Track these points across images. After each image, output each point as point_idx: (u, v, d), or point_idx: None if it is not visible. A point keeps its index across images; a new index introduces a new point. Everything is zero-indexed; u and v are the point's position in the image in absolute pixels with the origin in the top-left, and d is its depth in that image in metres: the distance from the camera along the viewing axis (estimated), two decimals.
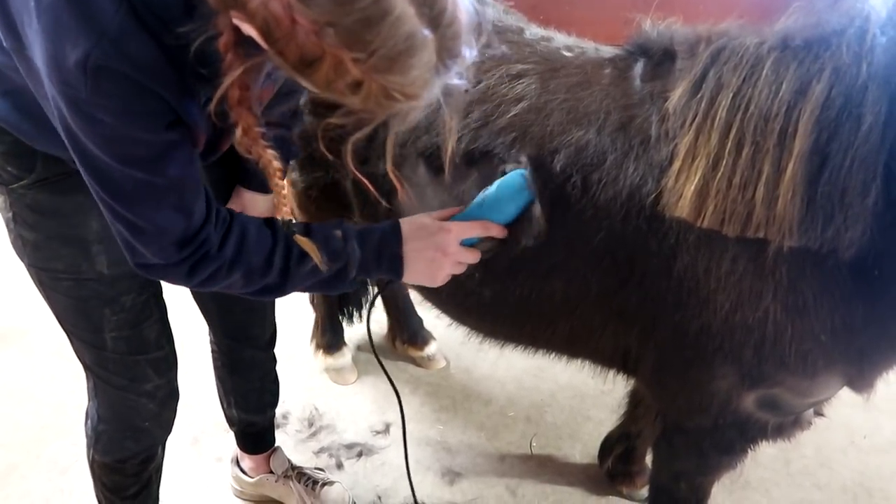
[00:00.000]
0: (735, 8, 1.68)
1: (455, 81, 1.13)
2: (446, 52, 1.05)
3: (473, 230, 1.51)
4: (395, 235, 1.47)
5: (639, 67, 1.62)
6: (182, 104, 1.19)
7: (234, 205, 1.74)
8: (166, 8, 1.10)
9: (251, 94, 1.17)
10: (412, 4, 0.98)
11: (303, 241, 1.40)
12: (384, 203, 1.74)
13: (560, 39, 1.79)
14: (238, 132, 1.20)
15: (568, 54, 1.72)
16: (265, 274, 1.40)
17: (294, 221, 1.41)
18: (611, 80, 1.62)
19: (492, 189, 1.54)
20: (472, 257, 1.53)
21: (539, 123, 1.61)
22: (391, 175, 1.40)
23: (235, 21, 1.03)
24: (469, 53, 1.10)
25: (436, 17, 1.01)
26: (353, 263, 1.44)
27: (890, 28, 1.34)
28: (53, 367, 2.89)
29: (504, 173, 1.57)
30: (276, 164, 1.28)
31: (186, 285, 1.41)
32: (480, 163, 1.65)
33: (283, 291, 1.45)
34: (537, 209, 1.55)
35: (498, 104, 1.65)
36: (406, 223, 1.49)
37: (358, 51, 0.99)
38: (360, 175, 1.39)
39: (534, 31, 1.82)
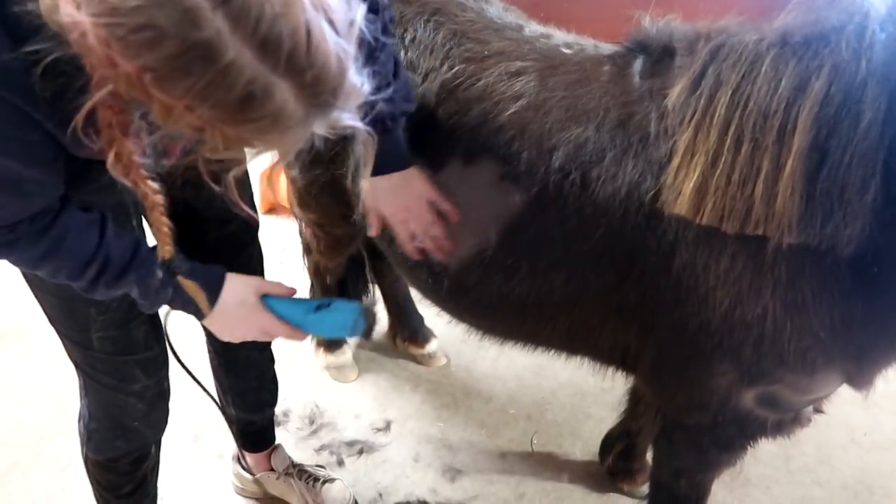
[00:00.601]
0: (734, 5, 1.67)
1: (349, 122, 1.04)
2: (310, 97, 0.95)
3: (279, 332, 1.54)
4: (214, 295, 1.47)
5: (638, 64, 1.62)
6: (58, 122, 1.11)
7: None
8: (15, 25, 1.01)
9: (126, 118, 1.06)
10: (248, 49, 0.88)
11: (187, 285, 1.38)
12: None
13: (559, 37, 1.79)
14: (110, 156, 1.10)
15: (567, 51, 1.72)
16: (75, 278, 1.35)
17: (175, 261, 1.36)
18: (610, 77, 1.62)
19: (325, 308, 1.54)
20: (280, 333, 1.55)
21: (538, 121, 1.61)
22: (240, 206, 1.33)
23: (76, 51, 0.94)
24: (363, 88, 1.01)
25: (281, 62, 0.90)
26: (159, 302, 1.45)
27: (889, 24, 1.34)
28: (54, 365, 2.88)
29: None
30: (157, 198, 1.21)
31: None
32: (480, 161, 1.65)
33: (88, 294, 1.40)
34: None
35: (497, 102, 1.65)
36: (230, 288, 1.48)
37: (183, 99, 0.90)
38: (244, 207, 1.28)
39: (533, 28, 1.82)
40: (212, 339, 2.07)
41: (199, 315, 1.50)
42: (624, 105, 1.56)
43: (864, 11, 1.36)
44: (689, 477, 1.90)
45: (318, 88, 0.95)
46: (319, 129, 1.02)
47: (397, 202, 1.69)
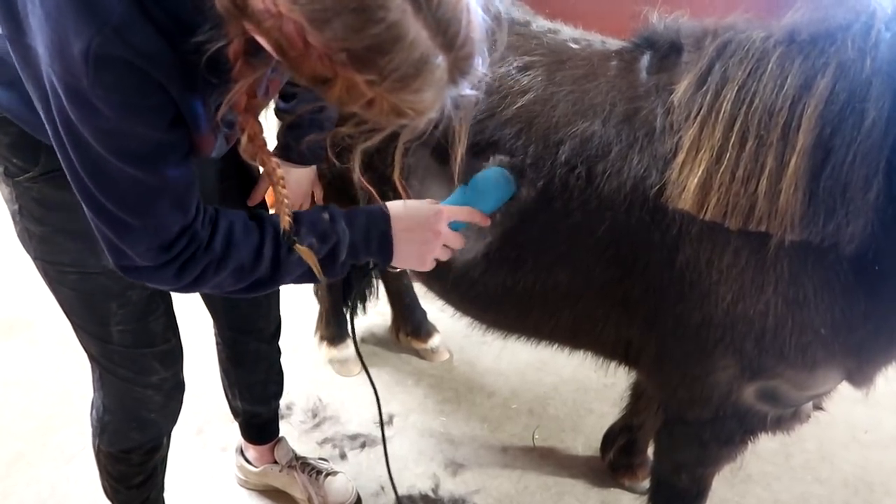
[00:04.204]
0: (741, 2, 1.68)
1: (466, 92, 1.12)
2: (458, 70, 1.05)
3: (461, 214, 1.51)
4: (384, 215, 1.45)
5: (645, 60, 1.63)
6: (186, 101, 1.17)
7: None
8: (175, 4, 1.09)
9: (257, 101, 1.16)
10: (425, 28, 0.97)
11: (303, 251, 1.38)
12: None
13: (567, 32, 1.80)
14: (244, 139, 1.20)
15: (574, 46, 1.73)
16: (255, 268, 1.36)
17: (292, 232, 1.38)
18: (617, 72, 1.63)
19: (473, 180, 1.56)
20: (459, 242, 1.52)
21: (545, 115, 1.62)
22: (398, 185, 1.39)
23: (250, 32, 1.02)
24: (481, 66, 1.10)
25: (450, 41, 1.00)
26: (342, 245, 1.41)
27: (895, 24, 1.34)
28: (59, 356, 2.90)
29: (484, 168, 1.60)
30: (280, 171, 1.28)
31: (174, 288, 1.37)
32: (487, 154, 1.66)
33: (274, 283, 1.42)
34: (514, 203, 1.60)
35: (504, 95, 1.66)
36: (394, 205, 1.47)
37: (370, 74, 0.99)
38: (365, 183, 1.40)
39: (541, 23, 1.83)
40: (223, 330, 2.08)
41: (386, 250, 1.45)
42: (630, 100, 1.57)
43: (871, 10, 1.37)
44: (690, 471, 1.91)
45: (466, 62, 1.05)
46: (448, 102, 1.12)
47: (299, 193, 1.85)
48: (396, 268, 1.51)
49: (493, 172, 1.57)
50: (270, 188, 1.81)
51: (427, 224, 1.46)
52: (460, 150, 1.55)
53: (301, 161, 1.80)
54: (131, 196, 1.21)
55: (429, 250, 1.49)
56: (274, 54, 1.02)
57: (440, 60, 1.01)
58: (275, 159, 1.26)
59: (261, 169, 1.39)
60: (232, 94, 1.11)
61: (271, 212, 1.44)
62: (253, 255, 1.35)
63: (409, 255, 1.48)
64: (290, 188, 1.74)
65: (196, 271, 1.31)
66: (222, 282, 1.36)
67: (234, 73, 1.08)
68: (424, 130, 1.17)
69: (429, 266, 1.51)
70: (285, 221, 1.34)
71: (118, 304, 1.57)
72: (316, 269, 1.39)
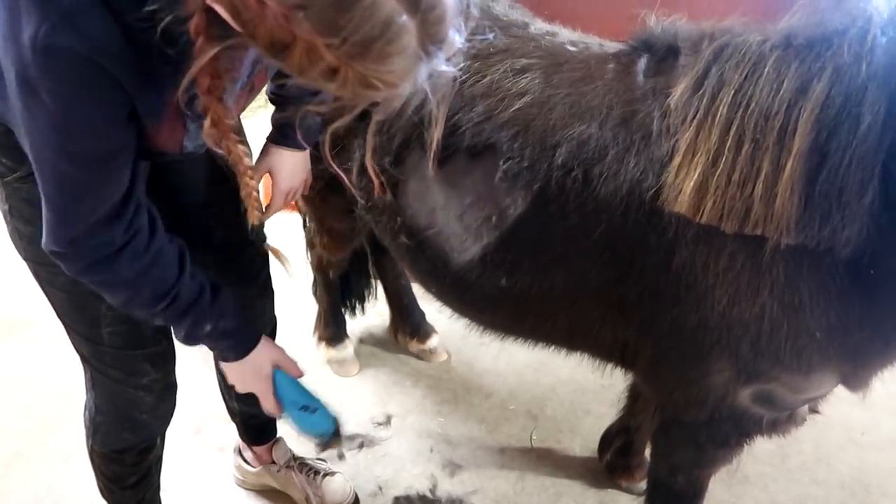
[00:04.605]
0: (739, 6, 1.68)
1: (442, 68, 1.07)
2: (429, 37, 0.99)
3: (265, 403, 1.69)
4: (245, 351, 1.60)
5: (642, 63, 1.63)
6: (142, 93, 1.14)
7: (261, 162, 1.75)
8: None
9: (222, 83, 1.11)
10: None
11: (272, 249, 1.40)
12: (388, 194, 1.76)
13: (565, 35, 1.80)
14: (207, 123, 1.14)
15: (572, 49, 1.73)
16: (145, 308, 1.42)
17: (262, 228, 1.38)
18: (614, 75, 1.64)
19: (313, 406, 1.73)
20: (273, 411, 1.69)
21: (542, 117, 1.62)
22: (370, 169, 1.38)
23: (208, 1, 0.98)
24: (457, 38, 1.05)
25: (416, 1, 0.95)
26: (202, 341, 1.53)
27: (891, 29, 1.35)
28: (57, 356, 2.90)
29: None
30: (247, 160, 1.23)
31: (78, 277, 1.36)
32: (484, 156, 1.66)
33: (146, 319, 1.48)
34: None
35: (501, 98, 1.66)
36: (256, 353, 1.61)
37: (330, 36, 0.94)
38: (335, 166, 1.37)
39: (539, 26, 1.83)
40: None
41: (225, 358, 1.61)
42: (627, 103, 1.57)
43: (867, 15, 1.38)
44: (687, 473, 1.91)
45: (438, 27, 0.99)
46: (422, 76, 1.05)
47: (296, 179, 1.83)
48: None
49: (326, 423, 1.75)
50: (281, 202, 1.81)
51: (256, 382, 1.66)
52: (437, 134, 1.56)
53: (296, 145, 1.76)
54: (63, 189, 1.21)
55: (246, 387, 1.67)
56: (230, 20, 0.98)
57: (407, 23, 0.95)
58: (242, 147, 1.21)
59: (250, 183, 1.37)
60: (193, 71, 1.05)
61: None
62: (149, 301, 1.40)
63: (233, 376, 1.66)
64: (284, 175, 1.78)
65: (99, 276, 1.34)
66: (113, 297, 1.40)
67: (196, 49, 1.03)
68: (399, 109, 1.12)
69: (240, 391, 1.70)
70: (254, 216, 1.34)
71: (108, 305, 1.54)
72: (286, 267, 1.45)
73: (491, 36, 1.72)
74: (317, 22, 0.93)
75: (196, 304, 1.44)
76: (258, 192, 1.30)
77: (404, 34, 0.96)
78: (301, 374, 1.69)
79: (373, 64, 0.97)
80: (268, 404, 1.68)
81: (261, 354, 1.62)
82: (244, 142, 1.20)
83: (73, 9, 1.02)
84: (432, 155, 1.67)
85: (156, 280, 1.37)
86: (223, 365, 1.64)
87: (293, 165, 1.81)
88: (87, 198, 1.22)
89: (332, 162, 1.32)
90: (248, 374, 1.64)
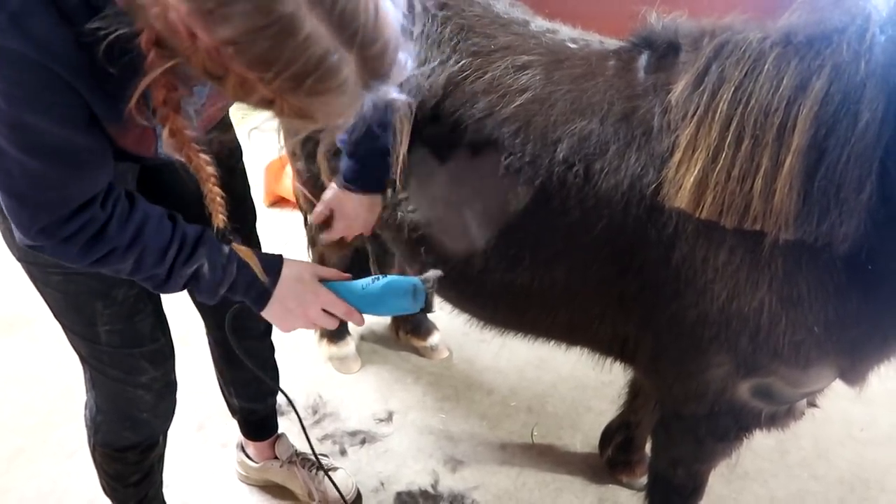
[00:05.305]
0: (739, 3, 1.69)
1: (392, 96, 1.05)
2: (370, 73, 0.98)
3: (338, 309, 1.51)
4: (275, 274, 1.47)
5: (643, 60, 1.64)
6: (97, 98, 1.12)
7: (325, 198, 1.78)
8: None
9: (178, 94, 1.08)
10: (324, 23, 0.90)
11: (241, 250, 1.38)
12: (389, 192, 1.77)
13: (565, 32, 1.81)
14: (165, 133, 1.12)
15: (573, 46, 1.74)
16: (156, 265, 1.36)
17: (228, 229, 1.38)
18: (615, 71, 1.64)
19: (381, 282, 1.51)
20: (330, 324, 1.54)
21: (543, 113, 1.63)
22: (307, 193, 1.35)
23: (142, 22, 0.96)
24: (407, 64, 1.03)
25: (352, 37, 0.92)
26: (226, 281, 1.43)
27: (889, 27, 1.36)
28: (60, 353, 2.88)
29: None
30: (210, 169, 1.22)
31: (81, 265, 1.34)
32: (485, 152, 1.67)
33: (164, 286, 1.41)
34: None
35: (503, 94, 1.67)
36: (288, 267, 1.48)
37: (261, 71, 0.92)
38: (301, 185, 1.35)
39: (539, 23, 1.84)
40: (213, 330, 2.07)
41: (261, 301, 1.48)
42: (628, 99, 1.58)
43: (866, 13, 1.39)
44: (687, 467, 1.93)
45: (379, 62, 0.98)
46: (368, 102, 1.04)
47: (357, 221, 1.81)
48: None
49: (406, 284, 1.51)
50: (336, 237, 1.79)
51: (303, 301, 1.49)
52: (402, 151, 1.57)
53: (357, 189, 1.76)
54: (36, 181, 1.18)
55: (293, 320, 1.52)
56: (144, 49, 0.96)
57: (344, 59, 0.94)
58: (204, 156, 1.19)
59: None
60: (142, 85, 1.02)
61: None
62: (157, 254, 1.35)
63: (275, 316, 1.52)
64: (342, 215, 1.78)
65: (101, 252, 1.30)
66: (123, 268, 1.35)
67: (147, 63, 1.00)
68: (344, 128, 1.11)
69: (285, 331, 1.56)
70: (219, 220, 1.32)
71: (104, 304, 1.56)
72: (258, 269, 1.41)
73: (516, 64, 1.71)
74: (248, 57, 0.91)
75: (204, 239, 1.39)
76: (222, 196, 1.29)
77: (341, 70, 0.95)
78: (348, 277, 1.55)
79: (307, 98, 0.97)
80: (340, 309, 1.51)
81: (294, 267, 1.49)
82: (206, 151, 1.17)
83: (21, 10, 1.00)
84: (399, 168, 1.70)
85: (154, 233, 1.34)
86: (269, 312, 1.50)
87: (355, 209, 1.80)
88: (53, 191, 1.20)
89: (299, 184, 1.30)
90: (292, 295, 1.48)
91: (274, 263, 1.47)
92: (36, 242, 1.27)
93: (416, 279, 1.51)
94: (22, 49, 1.01)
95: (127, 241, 1.31)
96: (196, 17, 0.89)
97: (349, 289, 1.51)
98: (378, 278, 1.52)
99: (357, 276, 1.55)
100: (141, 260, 1.34)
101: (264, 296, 1.47)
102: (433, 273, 1.52)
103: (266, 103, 0.99)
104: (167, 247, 1.35)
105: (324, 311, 1.50)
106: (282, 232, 3.36)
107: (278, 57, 0.91)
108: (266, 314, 1.51)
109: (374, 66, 0.98)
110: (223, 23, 0.88)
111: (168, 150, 1.15)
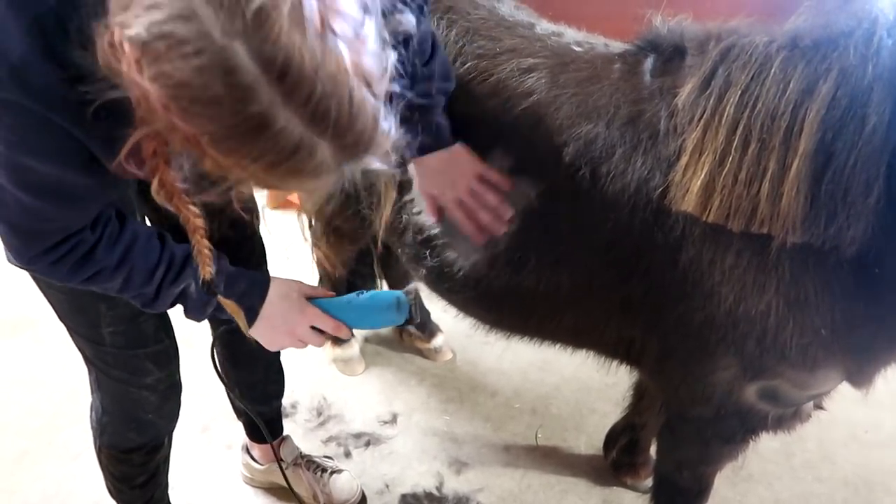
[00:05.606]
0: (745, 6, 1.69)
1: (374, 166, 1.05)
2: (346, 156, 0.99)
3: (326, 325, 1.53)
4: (261, 293, 1.49)
5: (649, 63, 1.64)
6: (99, 142, 1.13)
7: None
8: (78, 51, 1.01)
9: (167, 147, 1.07)
10: (297, 115, 0.90)
11: (227, 304, 1.41)
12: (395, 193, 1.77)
13: (570, 35, 1.81)
14: (154, 183, 1.13)
15: (578, 49, 1.74)
16: (143, 285, 1.38)
17: (215, 282, 1.39)
18: (620, 75, 1.64)
19: (365, 296, 1.55)
20: (318, 342, 1.55)
21: (549, 117, 1.63)
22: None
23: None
24: (388, 131, 1.02)
25: (327, 128, 0.93)
26: (213, 300, 1.45)
27: None
28: (64, 355, 2.89)
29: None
30: (198, 221, 1.24)
31: (71, 284, 1.36)
32: (490, 156, 1.67)
33: (153, 305, 1.43)
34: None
35: (508, 98, 1.67)
36: (275, 286, 1.51)
37: (236, 159, 0.94)
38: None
39: (544, 26, 1.84)
40: (217, 334, 2.05)
41: (248, 320, 1.50)
42: (634, 102, 1.58)
43: (873, 17, 1.38)
44: (692, 469, 1.93)
45: (356, 146, 0.99)
46: (348, 173, 1.05)
47: (444, 180, 1.72)
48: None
49: (390, 297, 1.54)
50: (432, 206, 1.77)
51: (289, 321, 1.51)
52: (385, 213, 1.55)
53: (423, 149, 1.67)
54: (31, 214, 1.21)
55: (280, 339, 1.55)
56: (134, 105, 0.97)
57: (318, 146, 0.94)
58: (194, 208, 1.21)
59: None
60: (131, 141, 1.04)
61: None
62: (145, 274, 1.37)
63: (262, 334, 1.54)
64: (423, 181, 1.75)
65: (89, 272, 1.32)
66: (112, 286, 1.37)
67: (137, 119, 1.00)
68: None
69: (274, 349, 1.58)
70: (206, 272, 1.34)
71: (107, 305, 1.56)
72: (241, 322, 1.45)
73: (521, 67, 1.69)
74: (222, 147, 0.93)
75: (191, 259, 1.39)
76: (210, 249, 1.31)
77: (315, 155, 0.95)
78: (332, 294, 1.58)
79: (280, 179, 0.99)
80: (328, 326, 1.53)
81: (281, 286, 1.52)
82: (195, 203, 1.18)
83: (23, 63, 1.03)
84: (381, 232, 1.74)
85: (142, 254, 1.36)
86: (256, 331, 1.52)
87: (433, 170, 1.73)
88: (49, 223, 1.23)
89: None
90: (279, 314, 1.51)
91: (260, 282, 1.50)
92: (29, 266, 1.31)
93: (398, 292, 1.54)
94: (22, 101, 1.04)
95: (115, 261, 1.33)
96: (172, 108, 0.90)
97: (335, 305, 1.54)
98: (362, 293, 1.56)
99: (360, 280, 1.57)
100: (129, 279, 1.36)
101: (251, 314, 1.50)
102: (414, 286, 1.55)
103: (244, 178, 1.01)
104: (155, 267, 1.37)
105: (312, 328, 1.53)
106: (285, 234, 3.36)
107: (252, 149, 0.93)
108: (253, 333, 1.53)
109: (350, 151, 0.99)
110: (197, 118, 0.91)
111: (157, 199, 1.16)
